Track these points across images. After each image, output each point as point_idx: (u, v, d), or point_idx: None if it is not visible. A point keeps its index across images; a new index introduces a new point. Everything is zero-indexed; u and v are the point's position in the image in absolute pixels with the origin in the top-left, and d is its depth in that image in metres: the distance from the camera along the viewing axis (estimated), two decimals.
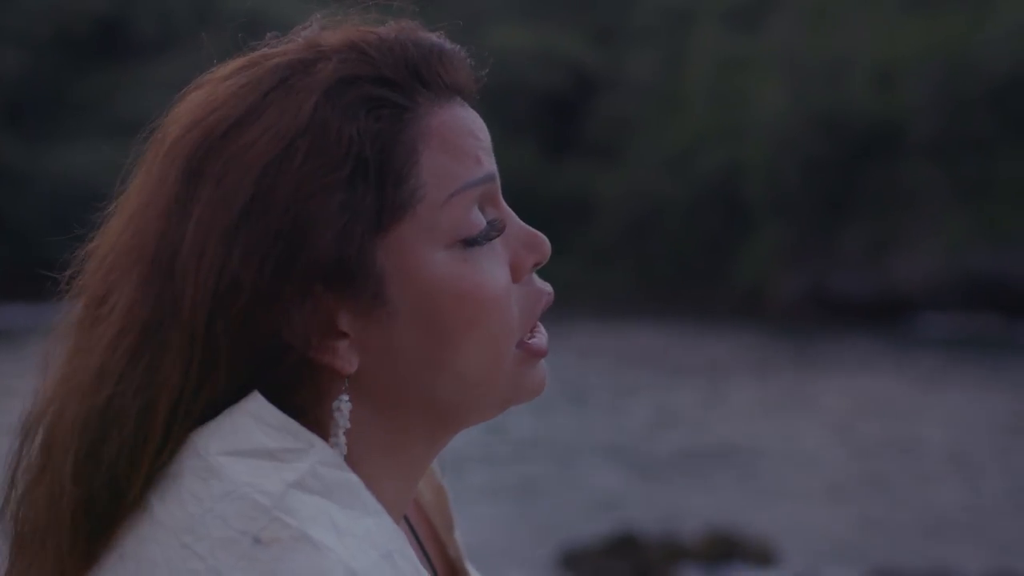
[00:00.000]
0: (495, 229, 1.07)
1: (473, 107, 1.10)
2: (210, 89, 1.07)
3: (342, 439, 1.04)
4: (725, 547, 11.12)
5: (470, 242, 1.05)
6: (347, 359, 1.04)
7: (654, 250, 36.16)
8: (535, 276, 1.11)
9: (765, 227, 34.62)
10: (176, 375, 1.01)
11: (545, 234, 1.13)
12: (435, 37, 1.09)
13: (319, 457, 1.01)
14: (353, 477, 1.02)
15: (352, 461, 1.04)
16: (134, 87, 35.18)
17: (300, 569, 0.95)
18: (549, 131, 39.36)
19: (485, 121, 1.11)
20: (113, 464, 1.01)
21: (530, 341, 1.10)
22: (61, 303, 1.12)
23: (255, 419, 1.01)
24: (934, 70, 33.11)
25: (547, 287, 1.12)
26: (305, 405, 1.04)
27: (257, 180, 1.01)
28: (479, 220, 1.06)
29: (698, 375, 22.42)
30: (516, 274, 1.09)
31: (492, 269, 1.06)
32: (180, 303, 1.00)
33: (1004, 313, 30.55)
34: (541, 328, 1.12)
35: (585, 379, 21.31)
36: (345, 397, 1.04)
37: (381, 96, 1.04)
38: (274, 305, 1.01)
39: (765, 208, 34.66)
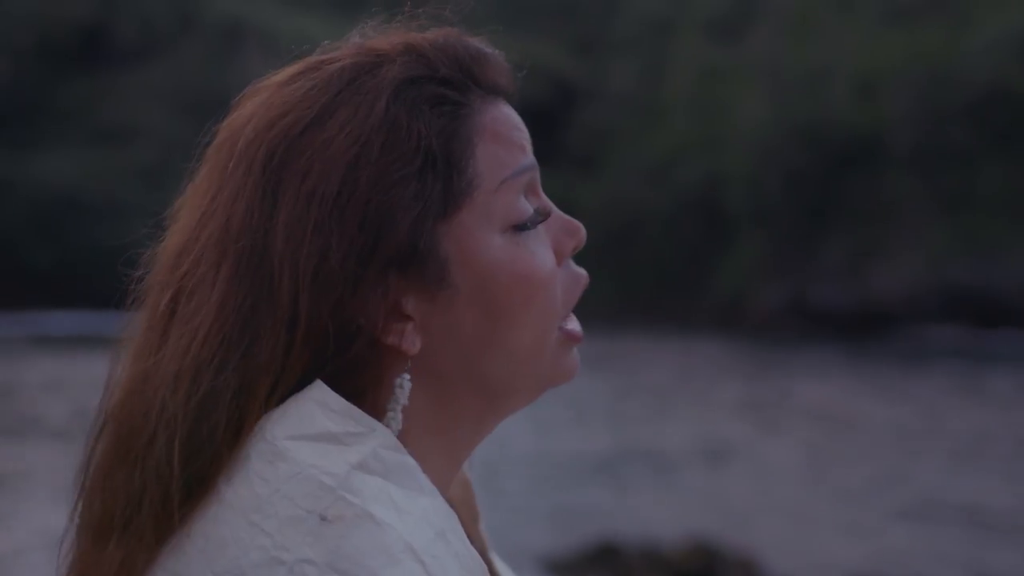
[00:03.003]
0: (541, 215, 1.16)
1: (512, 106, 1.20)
2: (273, 93, 1.14)
3: (399, 415, 1.11)
4: (706, 558, 11.12)
5: (521, 227, 1.14)
6: (412, 340, 1.10)
7: (635, 260, 36.22)
8: (571, 262, 1.20)
9: (746, 238, 34.71)
10: (273, 359, 1.07)
11: None
12: (480, 42, 1.19)
13: (380, 440, 1.07)
14: (410, 460, 1.08)
15: (405, 439, 1.10)
16: (116, 94, 35.15)
17: (363, 544, 1.01)
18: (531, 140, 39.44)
19: None
20: (210, 444, 1.06)
21: (568, 327, 1.19)
22: (125, 310, 1.17)
23: (319, 405, 1.07)
24: (915, 82, 33.25)
25: (583, 272, 1.21)
26: (366, 386, 1.10)
27: (343, 174, 1.08)
28: (526, 207, 1.15)
29: (678, 385, 22.43)
30: (557, 258, 1.18)
31: (541, 252, 1.15)
32: (277, 291, 1.07)
33: (984, 324, 30.67)
34: (574, 317, 1.20)
35: (564, 389, 21.26)
36: (407, 376, 1.11)
37: (442, 94, 1.13)
38: (358, 290, 1.08)
39: (746, 219, 34.75)
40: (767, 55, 35.16)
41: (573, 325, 1.20)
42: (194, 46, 35.45)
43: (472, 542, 1.28)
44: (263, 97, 1.14)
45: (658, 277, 35.73)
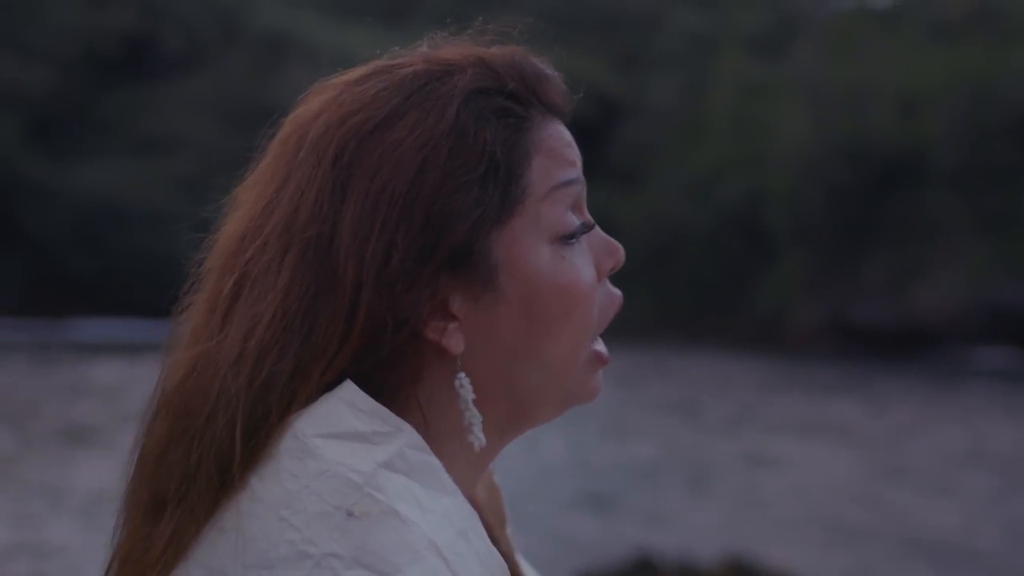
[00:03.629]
0: (585, 228, 1.21)
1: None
2: (343, 91, 1.18)
3: (474, 409, 1.15)
4: (743, 574, 11.07)
5: (567, 238, 1.18)
6: (456, 339, 1.14)
7: (674, 276, 36.13)
8: (608, 282, 1.25)
9: (786, 255, 34.58)
10: (328, 347, 1.11)
11: None
12: (543, 63, 1.25)
13: (406, 440, 1.10)
14: (435, 460, 1.11)
15: (431, 439, 1.13)
16: (159, 105, 35.35)
17: (388, 540, 1.04)
18: None
19: None
20: (265, 423, 1.10)
21: (597, 348, 1.23)
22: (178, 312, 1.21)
23: (348, 405, 1.10)
24: (958, 100, 33.07)
25: (618, 292, 1.26)
26: (402, 381, 1.14)
27: (411, 176, 1.13)
28: (572, 219, 1.19)
29: (717, 402, 22.37)
30: (597, 276, 1.22)
31: (584, 267, 1.20)
32: (340, 283, 1.11)
33: None
34: (602, 341, 1.24)
35: (601, 403, 21.24)
36: (463, 374, 1.15)
37: (508, 107, 1.18)
38: (413, 286, 1.12)
39: (786, 236, 34.63)
40: (809, 72, 35.05)
41: (601, 347, 1.23)
42: (238, 58, 35.62)
43: (499, 544, 1.34)
44: (332, 94, 1.18)
45: (698, 293, 35.63)
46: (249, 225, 1.16)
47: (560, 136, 1.21)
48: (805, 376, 26.42)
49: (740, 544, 11.89)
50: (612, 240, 1.25)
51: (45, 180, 34.00)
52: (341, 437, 1.09)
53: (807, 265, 34.15)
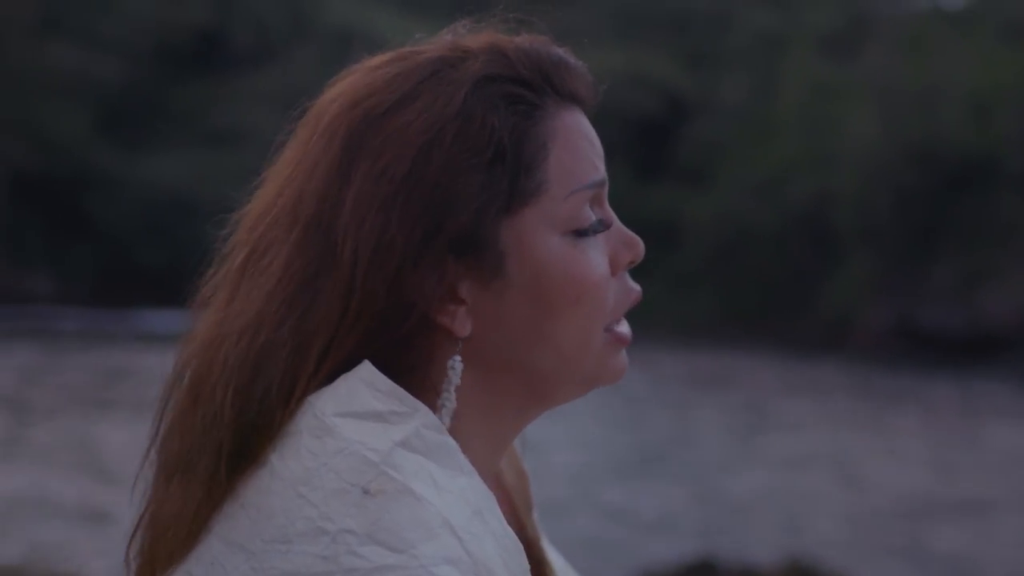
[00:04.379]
0: (602, 225, 1.22)
1: (590, 119, 1.25)
2: (363, 75, 1.21)
3: (452, 395, 1.16)
4: None
5: (581, 233, 1.19)
6: (463, 323, 1.16)
7: (740, 277, 35.94)
8: (628, 275, 1.25)
9: (854, 257, 34.32)
10: (328, 322, 1.13)
11: None
12: (563, 51, 1.25)
13: (422, 420, 1.13)
14: (451, 441, 1.13)
15: (452, 419, 1.16)
16: (230, 98, 35.59)
17: (403, 518, 1.06)
18: (640, 154, 39.33)
19: None
20: (265, 397, 1.13)
21: (617, 328, 1.23)
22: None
23: (366, 385, 1.13)
24: None
25: (637, 287, 1.26)
26: (416, 363, 1.16)
27: (414, 157, 1.14)
28: (589, 216, 1.20)
29: (781, 404, 22.25)
30: (613, 268, 1.23)
31: (596, 258, 1.20)
32: (339, 258, 1.14)
33: None
34: (625, 322, 1.25)
35: (665, 404, 21.23)
36: (458, 357, 1.16)
37: (519, 94, 1.19)
38: (416, 268, 1.14)
39: (854, 238, 34.36)
40: (880, 72, 34.75)
41: (623, 328, 1.24)
42: (307, 51, 35.76)
43: (525, 530, 1.36)
44: (353, 78, 1.22)
45: (763, 294, 35.42)
46: (266, 203, 1.20)
47: (579, 127, 1.22)
48: (870, 380, 26.22)
49: (801, 548, 11.83)
50: (631, 233, 1.26)
51: (116, 171, 34.32)
52: (359, 416, 1.11)
53: (874, 268, 33.86)
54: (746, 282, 35.85)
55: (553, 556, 1.41)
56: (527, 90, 1.19)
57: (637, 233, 1.26)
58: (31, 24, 34.68)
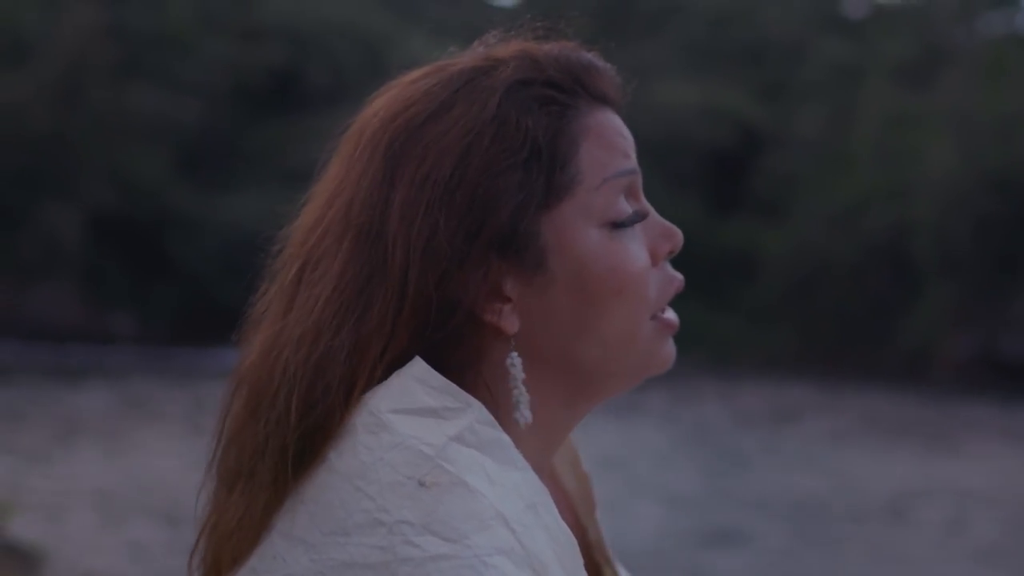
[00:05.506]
0: (639, 216, 1.25)
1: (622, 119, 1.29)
2: (401, 90, 1.26)
3: (523, 388, 1.20)
4: None
5: (618, 224, 1.23)
6: (511, 320, 1.20)
7: (818, 309, 35.68)
8: (668, 264, 1.28)
9: (934, 287, 33.98)
10: (383, 324, 1.17)
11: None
12: (592, 55, 1.28)
13: (475, 416, 1.16)
14: (504, 436, 1.17)
15: (500, 416, 1.19)
16: (305, 137, 35.88)
17: (457, 509, 1.09)
18: (714, 187, 39.20)
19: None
20: (325, 399, 1.16)
21: (664, 315, 1.26)
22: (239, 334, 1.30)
23: (420, 382, 1.16)
24: None
25: (679, 275, 1.28)
26: (465, 361, 1.19)
27: (455, 161, 1.19)
28: (625, 207, 1.24)
29: (862, 437, 22.06)
30: (654, 259, 1.26)
31: (635, 249, 1.24)
32: (391, 263, 1.18)
33: None
34: (671, 309, 1.28)
35: (745, 437, 21.10)
36: (515, 354, 1.20)
37: (551, 96, 1.23)
38: (462, 268, 1.18)
39: (934, 268, 34.02)
40: (957, 101, 34.46)
41: (669, 315, 1.27)
42: (378, 88, 36.06)
43: (588, 531, 1.40)
44: (392, 93, 1.27)
45: (842, 326, 35.13)
46: (315, 217, 1.25)
47: (610, 124, 1.25)
48: (952, 411, 25.92)
49: None
50: (669, 224, 1.28)
51: (194, 212, 34.70)
52: (413, 412, 1.14)
53: (955, 297, 33.51)
54: (825, 314, 35.59)
55: (621, 570, 1.42)
56: (558, 92, 1.23)
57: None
58: (111, 68, 35.20)
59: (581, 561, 1.16)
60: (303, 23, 39.07)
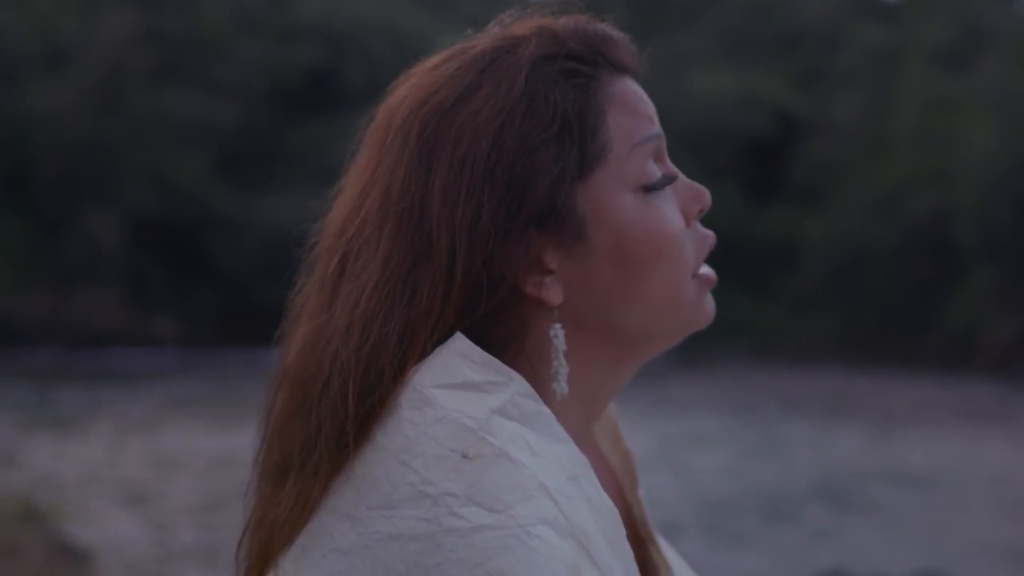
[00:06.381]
0: (668, 179, 1.27)
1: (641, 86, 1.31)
2: (423, 76, 1.27)
3: (563, 360, 1.21)
4: None
5: (650, 188, 1.24)
6: (555, 292, 1.22)
7: (861, 295, 35.54)
8: (699, 223, 1.30)
9: (976, 271, 33.78)
10: (432, 307, 1.18)
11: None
12: (606, 25, 1.30)
13: (517, 389, 1.18)
14: (545, 409, 1.18)
15: (541, 389, 1.21)
16: (343, 136, 35.93)
17: (500, 480, 1.11)
18: (754, 175, 39.08)
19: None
20: (379, 384, 1.18)
21: (702, 272, 1.29)
22: (276, 342, 1.31)
23: (462, 357, 1.18)
24: None
25: (711, 233, 1.31)
26: (510, 334, 1.21)
27: (491, 142, 1.20)
28: (655, 170, 1.26)
29: (907, 422, 21.96)
30: (686, 220, 1.28)
31: (669, 211, 1.26)
32: (436, 247, 1.19)
33: None
34: (706, 265, 1.30)
35: (790, 424, 21.04)
36: (559, 325, 1.22)
37: (575, 68, 1.24)
38: (504, 244, 1.19)
39: (976, 251, 33.83)
40: (996, 84, 34.23)
41: (705, 270, 1.29)
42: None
43: (631, 507, 1.42)
44: (414, 80, 1.28)
45: (885, 312, 34.98)
46: (350, 208, 1.26)
47: (633, 91, 1.27)
48: (998, 395, 25.78)
49: (930, 565, 11.69)
50: (697, 185, 1.30)
51: (234, 213, 34.84)
52: (456, 387, 1.16)
53: (998, 281, 33.30)
54: (867, 301, 35.45)
55: (665, 547, 1.43)
56: (581, 64, 1.24)
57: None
58: (149, 73, 35.39)
59: (624, 532, 1.17)
60: (337, 22, 39.18)
